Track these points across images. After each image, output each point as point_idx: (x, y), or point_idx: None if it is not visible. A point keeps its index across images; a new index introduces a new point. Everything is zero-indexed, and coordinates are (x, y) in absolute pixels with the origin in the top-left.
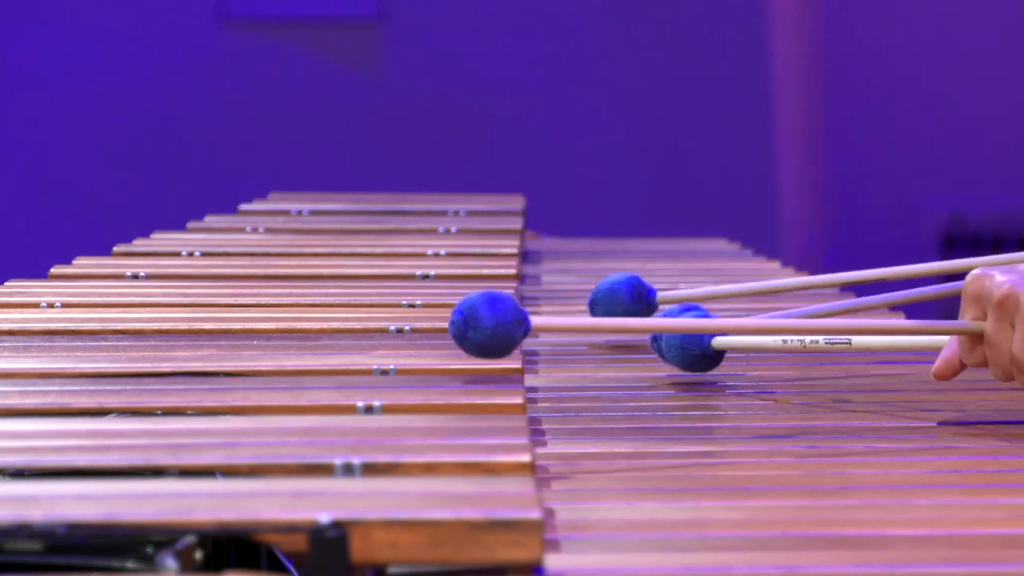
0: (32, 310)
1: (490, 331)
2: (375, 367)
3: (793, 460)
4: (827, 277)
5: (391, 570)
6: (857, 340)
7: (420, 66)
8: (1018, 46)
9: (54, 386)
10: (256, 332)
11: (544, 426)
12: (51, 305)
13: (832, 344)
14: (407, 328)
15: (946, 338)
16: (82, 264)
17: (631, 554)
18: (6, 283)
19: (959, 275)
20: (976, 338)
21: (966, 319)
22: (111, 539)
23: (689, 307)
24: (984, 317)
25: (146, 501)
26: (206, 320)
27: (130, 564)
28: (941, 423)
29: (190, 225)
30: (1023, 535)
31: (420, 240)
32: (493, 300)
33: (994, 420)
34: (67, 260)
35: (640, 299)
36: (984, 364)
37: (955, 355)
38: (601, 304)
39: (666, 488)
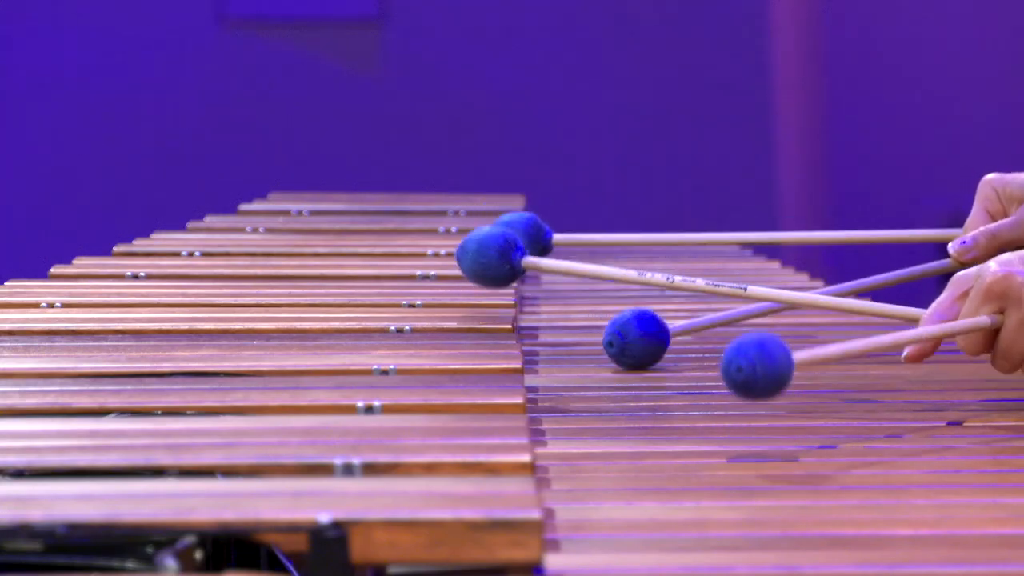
0: (32, 310)
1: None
2: (375, 367)
3: (793, 460)
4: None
5: (391, 570)
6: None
7: (420, 66)
8: (1018, 46)
9: (54, 386)
10: (256, 332)
11: (544, 426)
12: (51, 305)
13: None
14: (407, 328)
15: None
16: (82, 264)
17: (631, 554)
18: (6, 283)
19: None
20: (990, 332)
21: (983, 313)
22: (111, 539)
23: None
24: (1002, 312)
25: (146, 501)
26: (206, 320)
27: (130, 564)
28: (947, 423)
29: (190, 225)
30: (1023, 535)
31: (420, 240)
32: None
33: (994, 421)
34: (67, 260)
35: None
36: (982, 353)
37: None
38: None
39: (666, 488)
